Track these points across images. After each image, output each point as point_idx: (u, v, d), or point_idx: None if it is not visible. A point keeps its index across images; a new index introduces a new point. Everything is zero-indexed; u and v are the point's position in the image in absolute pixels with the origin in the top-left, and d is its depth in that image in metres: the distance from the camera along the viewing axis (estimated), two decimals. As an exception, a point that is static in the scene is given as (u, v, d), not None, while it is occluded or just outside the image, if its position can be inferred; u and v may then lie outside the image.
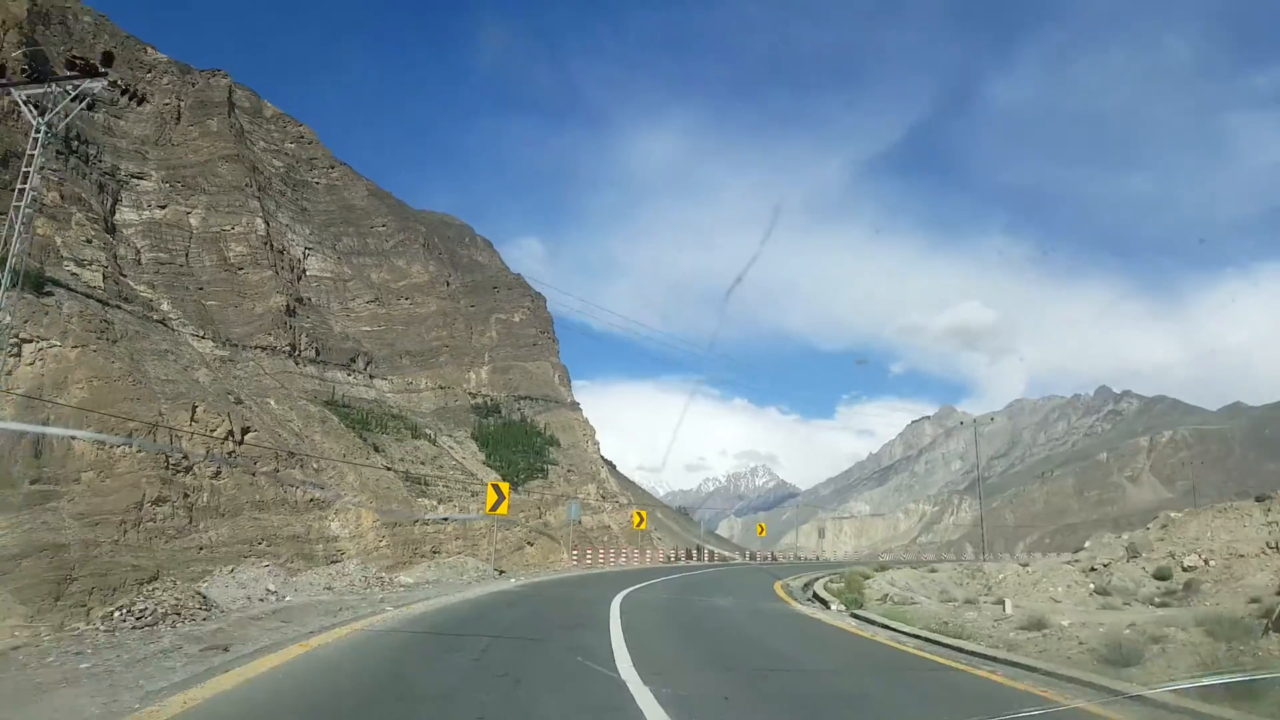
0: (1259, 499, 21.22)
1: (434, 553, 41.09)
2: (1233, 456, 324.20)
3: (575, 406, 67.69)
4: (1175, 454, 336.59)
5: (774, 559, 46.93)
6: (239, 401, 36.03)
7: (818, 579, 27.37)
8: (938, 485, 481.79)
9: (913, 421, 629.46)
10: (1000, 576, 21.98)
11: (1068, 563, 23.92)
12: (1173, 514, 26.92)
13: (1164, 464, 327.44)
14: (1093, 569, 20.91)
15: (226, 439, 32.17)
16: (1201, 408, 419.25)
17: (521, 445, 54.82)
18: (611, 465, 70.64)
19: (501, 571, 29.85)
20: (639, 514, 36.03)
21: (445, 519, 40.75)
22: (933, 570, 28.18)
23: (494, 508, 31.99)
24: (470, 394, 62.23)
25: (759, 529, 47.02)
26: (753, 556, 45.78)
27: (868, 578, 24.08)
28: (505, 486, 33.38)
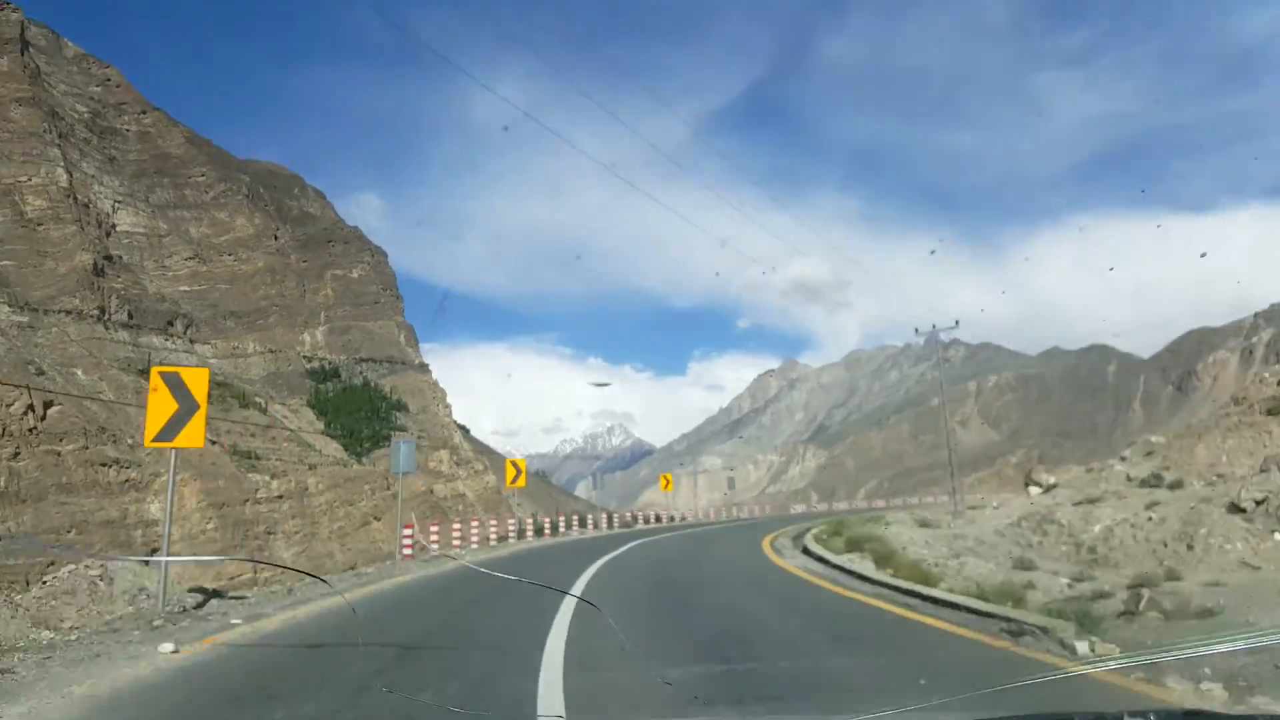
0: (1271, 411, 20.39)
1: (268, 533, 37.21)
2: (1051, 398, 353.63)
3: (424, 368, 63.73)
4: (1000, 398, 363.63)
5: (659, 520, 44.96)
6: (40, 372, 32.41)
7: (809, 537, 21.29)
8: (784, 436, 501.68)
9: (759, 375, 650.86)
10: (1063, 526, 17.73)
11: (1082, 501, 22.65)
12: (1153, 438, 28.37)
13: (990, 407, 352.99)
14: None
15: (26, 414, 28.26)
16: (1022, 353, 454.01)
17: (365, 411, 50.81)
18: (465, 430, 67.25)
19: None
20: (514, 465, 33.27)
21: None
22: (887, 524, 24.39)
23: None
24: (305, 357, 57.39)
25: (664, 482, 44.58)
26: (635, 518, 43.50)
27: (870, 541, 18.83)
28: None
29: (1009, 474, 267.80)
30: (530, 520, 34.40)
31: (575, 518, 36.49)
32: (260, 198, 64.99)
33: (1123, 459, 29.06)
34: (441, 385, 60.12)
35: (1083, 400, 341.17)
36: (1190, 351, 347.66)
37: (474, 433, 78.40)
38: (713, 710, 5.48)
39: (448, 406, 58.99)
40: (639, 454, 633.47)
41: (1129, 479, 22.07)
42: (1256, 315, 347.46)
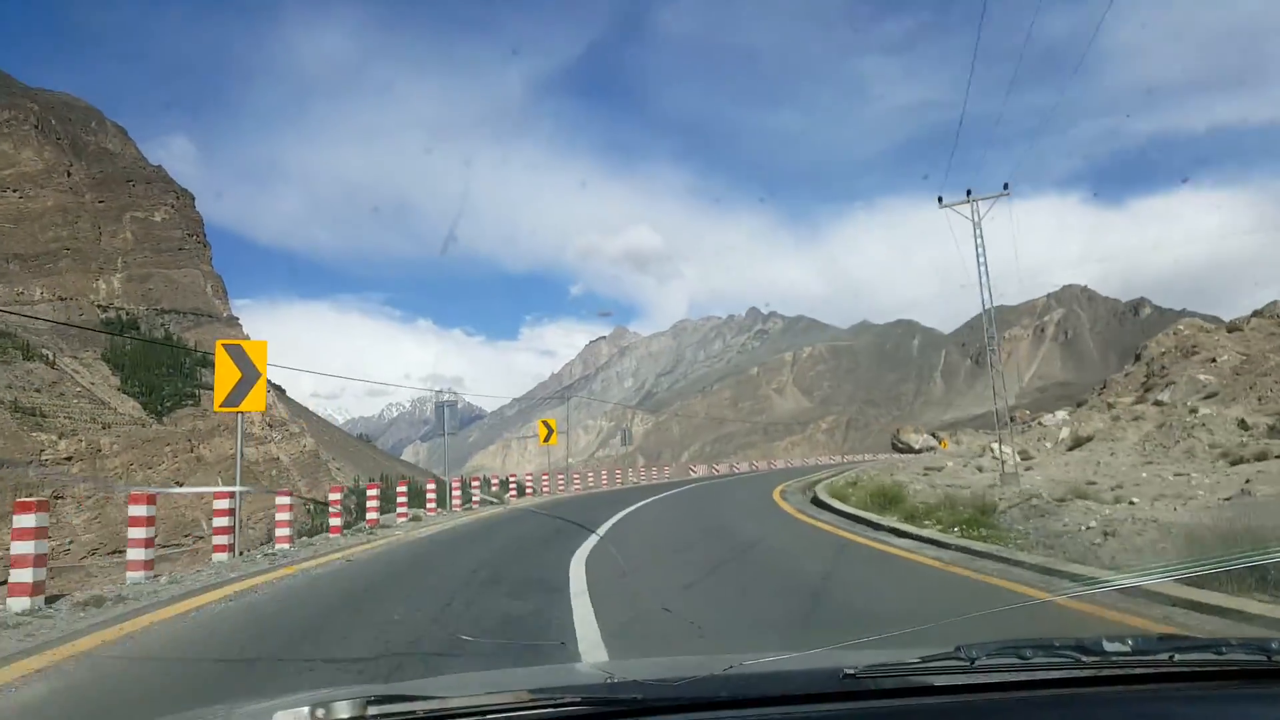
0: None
1: (55, 498, 34.03)
2: (860, 368, 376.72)
3: (234, 322, 59.72)
4: (813, 367, 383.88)
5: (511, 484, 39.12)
6: None
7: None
8: (613, 403, 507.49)
9: (590, 342, 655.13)
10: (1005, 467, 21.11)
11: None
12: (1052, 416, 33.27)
13: (804, 376, 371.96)
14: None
15: None
16: (835, 325, 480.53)
17: (167, 367, 47.12)
18: (280, 390, 63.73)
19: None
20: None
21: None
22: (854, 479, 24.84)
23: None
24: (100, 306, 52.42)
25: (543, 431, 35.35)
26: (491, 480, 41.65)
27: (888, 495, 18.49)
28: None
29: (819, 439, 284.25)
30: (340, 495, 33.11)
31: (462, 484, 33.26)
32: (52, 129, 58.31)
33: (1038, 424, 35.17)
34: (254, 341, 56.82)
35: (889, 371, 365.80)
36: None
37: (291, 394, 74.39)
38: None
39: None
40: (469, 419, 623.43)
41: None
42: (1049, 297, 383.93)
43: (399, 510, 18.81)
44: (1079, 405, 43.67)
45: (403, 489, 19.55)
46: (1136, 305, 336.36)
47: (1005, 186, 23.46)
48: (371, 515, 17.32)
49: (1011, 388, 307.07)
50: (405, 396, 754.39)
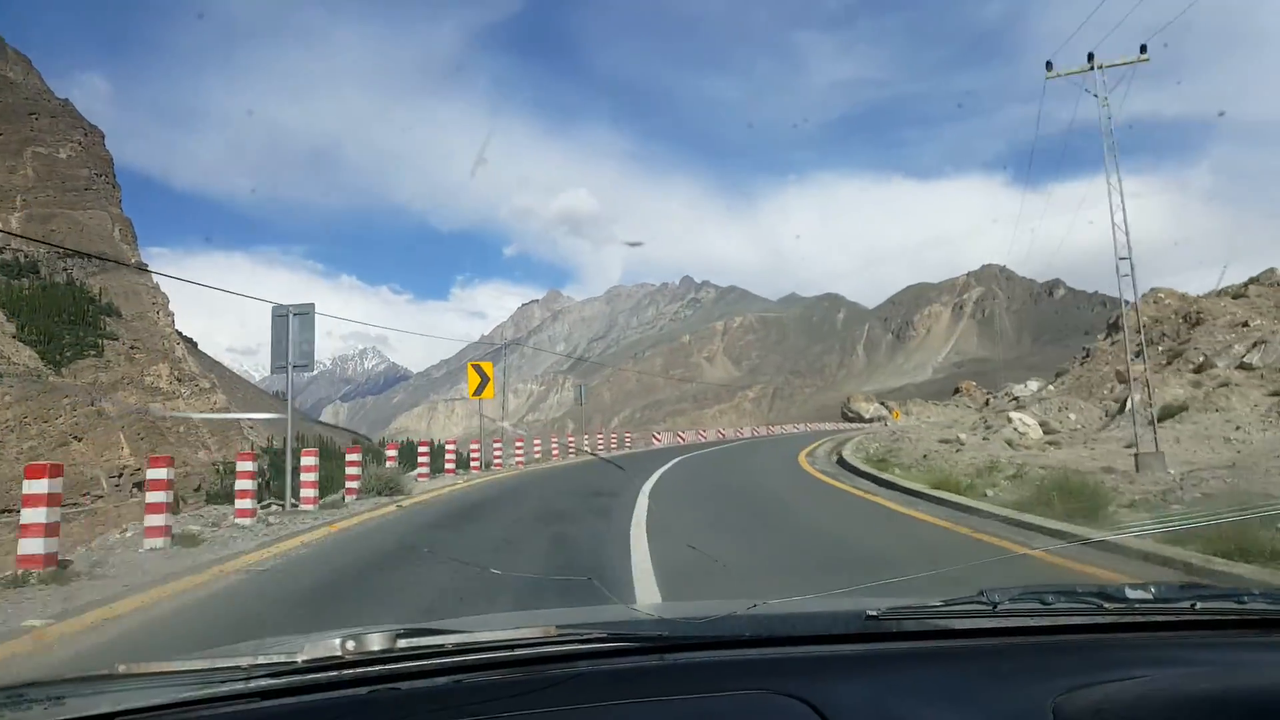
0: None
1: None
2: (787, 340, 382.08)
3: (143, 269, 56.53)
4: (743, 337, 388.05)
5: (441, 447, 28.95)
6: None
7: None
8: (544, 366, 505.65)
9: (523, 304, 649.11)
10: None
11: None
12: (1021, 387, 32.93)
13: (734, 346, 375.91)
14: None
15: None
16: (765, 297, 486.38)
17: (68, 314, 44.27)
18: (192, 343, 60.92)
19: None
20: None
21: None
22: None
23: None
24: (-5, 249, 49.01)
25: (472, 379, 23.14)
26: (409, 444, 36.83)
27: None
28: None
29: (746, 407, 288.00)
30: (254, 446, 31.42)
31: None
32: (-62, 54, 54.06)
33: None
34: (164, 290, 53.68)
35: (815, 343, 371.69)
36: (909, 304, 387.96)
37: (204, 347, 71.56)
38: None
39: (170, 315, 52.78)
40: (393, 379, 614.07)
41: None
42: (968, 275, 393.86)
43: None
44: (1057, 376, 43.31)
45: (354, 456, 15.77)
46: (1052, 286, 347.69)
47: (1143, 49, 17.87)
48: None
49: (930, 362, 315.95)
50: (327, 354, 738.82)
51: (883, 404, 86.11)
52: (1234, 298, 32.62)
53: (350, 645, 1.37)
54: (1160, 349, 30.94)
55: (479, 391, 22.56)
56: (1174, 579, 5.10)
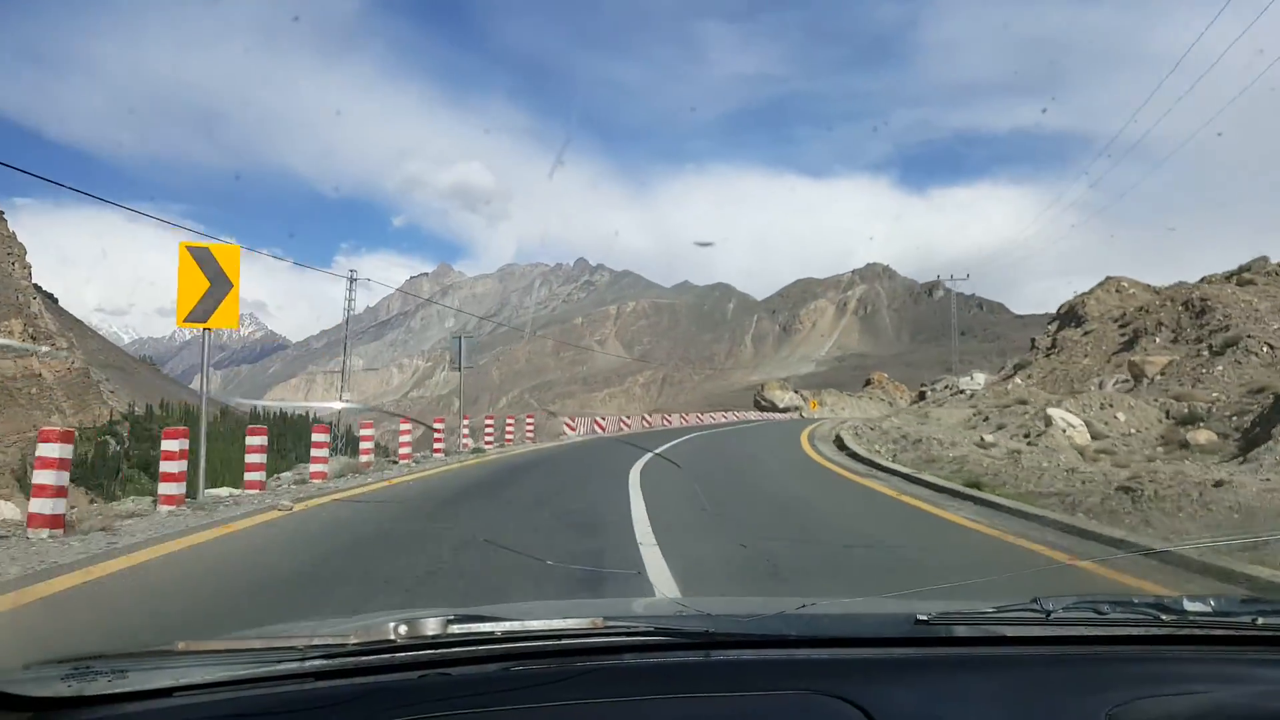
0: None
1: None
2: (679, 327, 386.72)
3: (-3, 219, 52.52)
4: (636, 322, 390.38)
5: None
6: None
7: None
8: (432, 341, 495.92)
9: (411, 277, 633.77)
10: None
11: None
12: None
13: (626, 331, 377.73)
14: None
15: None
16: (658, 284, 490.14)
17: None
18: (52, 298, 56.97)
19: None
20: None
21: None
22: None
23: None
24: None
25: (182, 281, 16.84)
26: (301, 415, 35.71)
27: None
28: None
29: (636, 392, 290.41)
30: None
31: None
32: None
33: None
34: (21, 240, 49.74)
35: (705, 331, 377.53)
36: (796, 298, 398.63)
37: (66, 304, 67.01)
38: None
39: (28, 267, 49.01)
40: (271, 348, 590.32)
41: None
42: (853, 272, 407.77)
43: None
44: (1017, 369, 41.03)
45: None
46: (931, 286, 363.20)
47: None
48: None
49: (814, 355, 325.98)
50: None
51: (798, 393, 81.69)
52: (1239, 285, 30.53)
53: (403, 630, 1.38)
54: (1159, 339, 29.10)
55: (200, 315, 9.87)
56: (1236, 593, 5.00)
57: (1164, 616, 1.60)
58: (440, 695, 1.27)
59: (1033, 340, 48.29)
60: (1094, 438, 17.86)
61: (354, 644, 1.37)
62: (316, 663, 1.33)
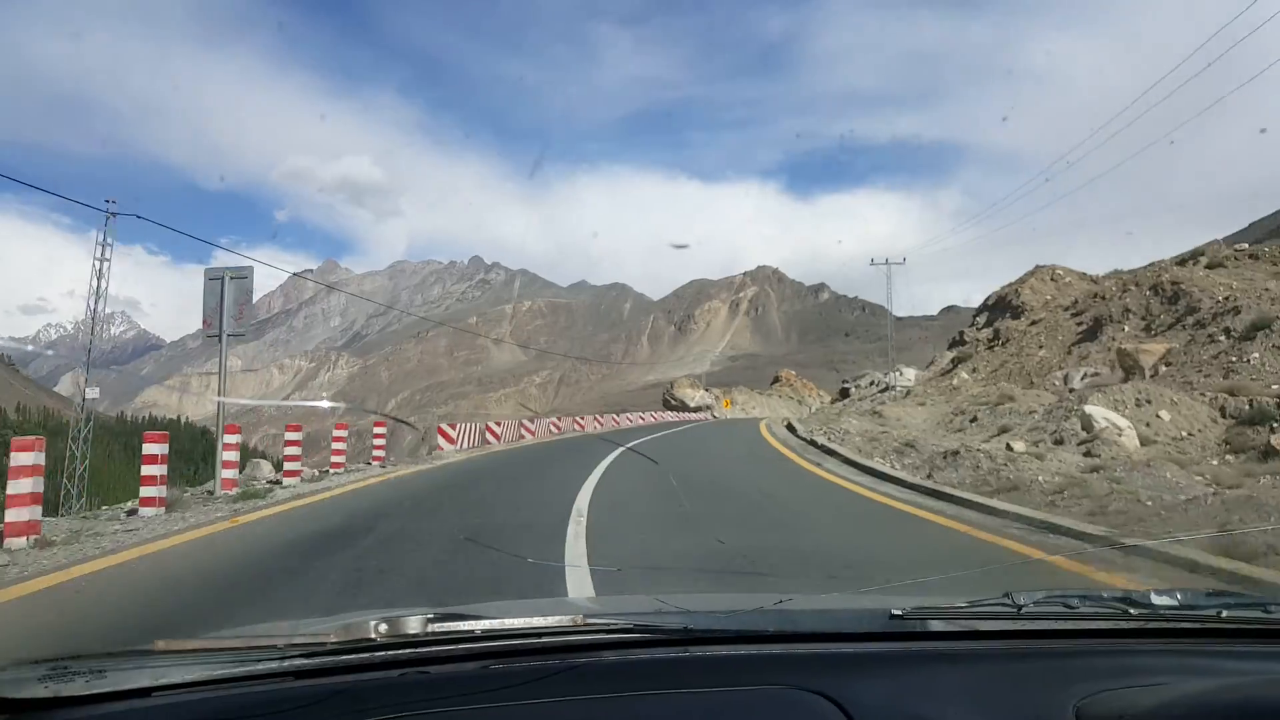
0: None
1: None
2: (576, 326, 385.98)
3: None
4: (532, 322, 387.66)
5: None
6: None
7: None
8: (316, 341, 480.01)
9: (295, 274, 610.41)
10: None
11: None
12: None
13: (523, 330, 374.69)
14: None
15: None
16: (555, 283, 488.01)
17: None
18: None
19: None
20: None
21: None
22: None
23: None
24: None
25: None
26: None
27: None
28: None
29: (532, 392, 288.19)
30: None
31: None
32: None
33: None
34: None
35: (601, 331, 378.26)
36: (691, 298, 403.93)
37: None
38: None
39: None
40: (144, 348, 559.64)
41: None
42: (745, 274, 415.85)
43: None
44: (958, 362, 38.65)
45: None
46: (818, 289, 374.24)
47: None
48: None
49: (709, 354, 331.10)
50: (68, 317, 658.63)
51: (709, 391, 77.12)
52: (1209, 268, 28.18)
53: (383, 628, 1.38)
54: (1128, 327, 26.93)
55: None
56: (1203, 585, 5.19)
57: (1132, 610, 1.64)
58: (420, 694, 1.27)
59: (960, 334, 47.09)
60: (1141, 443, 14.47)
61: (334, 643, 1.37)
62: (296, 661, 1.33)
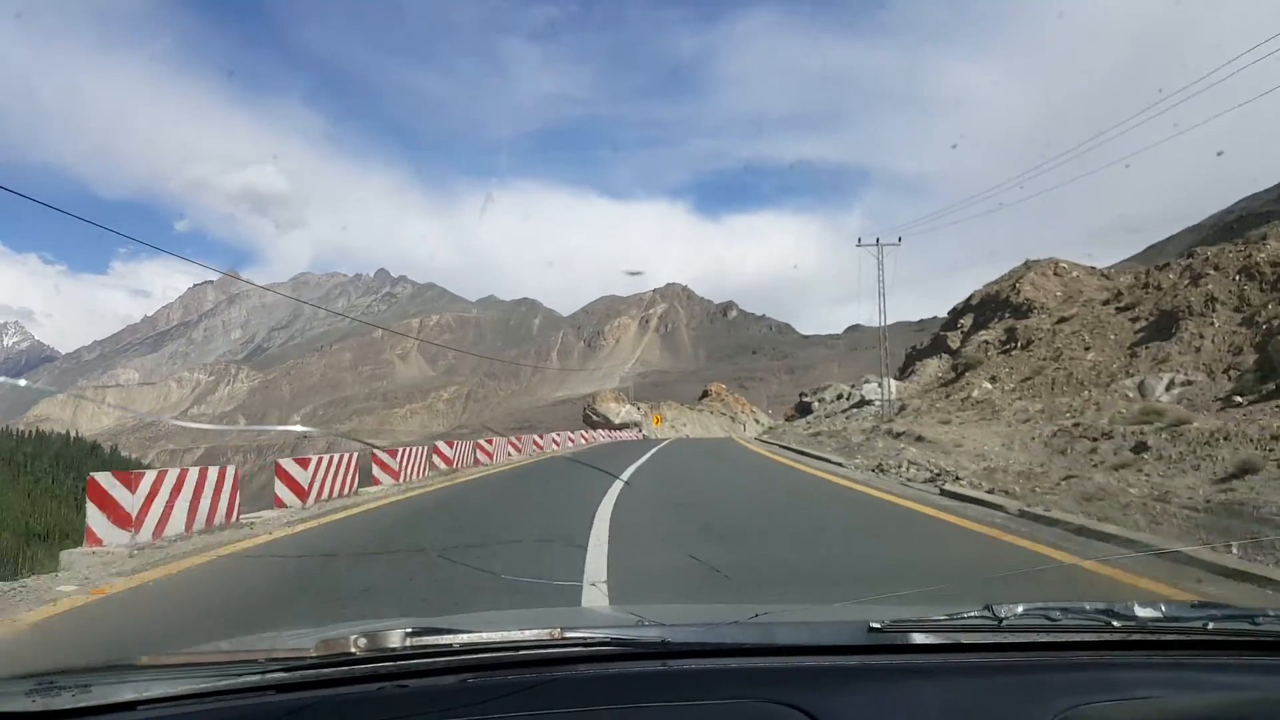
0: None
1: None
2: (484, 341, 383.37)
3: None
4: (439, 336, 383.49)
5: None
6: None
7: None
8: (216, 354, 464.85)
9: (195, 285, 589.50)
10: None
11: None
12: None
13: (430, 345, 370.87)
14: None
15: None
16: (463, 297, 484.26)
17: None
18: None
19: None
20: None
21: None
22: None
23: None
24: None
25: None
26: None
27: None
28: None
29: (440, 408, 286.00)
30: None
31: None
32: None
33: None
34: None
35: (510, 346, 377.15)
36: (601, 314, 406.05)
37: None
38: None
39: None
40: (37, 359, 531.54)
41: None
42: (654, 291, 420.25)
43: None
44: (965, 370, 34.08)
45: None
46: (726, 307, 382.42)
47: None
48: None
49: (619, 370, 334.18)
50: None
51: (637, 406, 71.35)
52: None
53: (362, 642, 1.40)
54: (1217, 322, 22.66)
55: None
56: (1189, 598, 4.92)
57: (1115, 622, 1.61)
58: (399, 707, 1.30)
59: (943, 338, 43.80)
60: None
61: (313, 656, 1.39)
62: (276, 675, 1.36)
